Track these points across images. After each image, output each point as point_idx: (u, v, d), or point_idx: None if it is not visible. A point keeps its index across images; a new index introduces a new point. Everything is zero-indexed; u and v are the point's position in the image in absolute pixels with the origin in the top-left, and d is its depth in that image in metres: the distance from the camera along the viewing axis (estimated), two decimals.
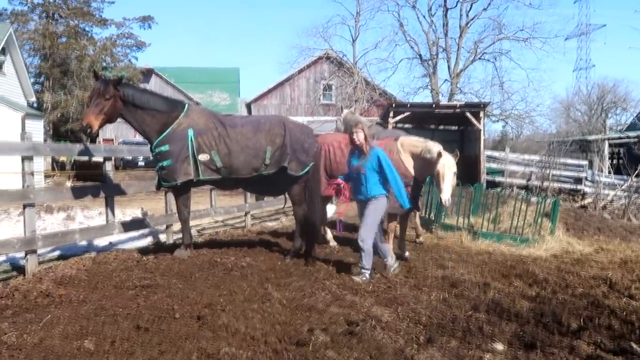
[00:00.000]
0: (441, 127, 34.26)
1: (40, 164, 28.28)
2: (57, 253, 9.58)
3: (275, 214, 15.74)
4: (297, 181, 9.20)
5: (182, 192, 9.01)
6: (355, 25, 45.95)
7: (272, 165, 8.97)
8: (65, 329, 5.50)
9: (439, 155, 8.86)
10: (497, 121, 46.86)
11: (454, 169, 8.90)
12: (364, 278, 7.89)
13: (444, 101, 39.61)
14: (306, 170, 9.13)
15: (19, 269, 8.34)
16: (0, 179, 18.90)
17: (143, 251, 9.57)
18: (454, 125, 33.83)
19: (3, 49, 31.58)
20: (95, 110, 8.30)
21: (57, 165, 34.14)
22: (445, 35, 45.59)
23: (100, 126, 8.55)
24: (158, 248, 10.03)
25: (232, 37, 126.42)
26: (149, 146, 9.22)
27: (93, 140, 43.78)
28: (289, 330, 5.65)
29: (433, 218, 13.17)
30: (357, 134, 7.97)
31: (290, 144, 8.96)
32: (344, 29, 53.26)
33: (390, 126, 25.78)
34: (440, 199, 8.93)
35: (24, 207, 8.18)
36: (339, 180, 8.28)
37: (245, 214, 13.46)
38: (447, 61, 46.07)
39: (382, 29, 75.78)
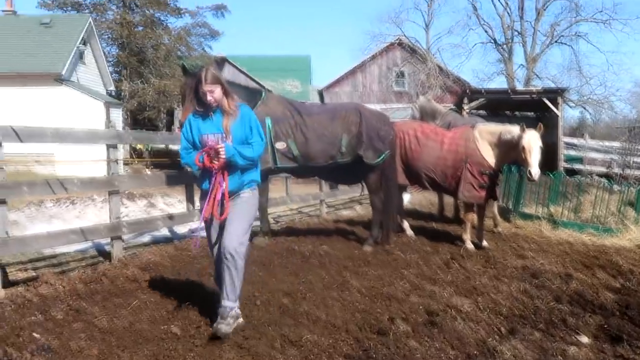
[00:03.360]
0: (517, 113, 33.62)
1: (121, 152, 29.18)
2: (140, 240, 9.87)
3: (349, 202, 15.77)
4: (373, 169, 9.21)
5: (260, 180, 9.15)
6: (428, 11, 45.27)
7: (347, 153, 9.00)
8: (152, 314, 5.73)
9: (522, 129, 8.80)
10: (575, 107, 45.48)
11: (540, 143, 8.89)
12: (233, 317, 5.24)
13: (520, 87, 38.66)
14: (382, 158, 9.12)
15: (105, 255, 8.64)
16: (81, 166, 19.62)
17: None
18: (531, 112, 33.09)
19: (83, 39, 32.60)
20: (190, 106, 8.48)
21: (135, 153, 35.05)
22: (521, 18, 44.40)
23: None
24: None
25: (303, 24, 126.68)
26: None
27: (169, 128, 44.85)
28: (369, 318, 5.70)
29: (511, 207, 12.95)
30: (211, 92, 5.27)
31: (366, 132, 8.97)
32: (417, 14, 52.00)
33: (464, 113, 25.42)
34: (530, 174, 8.86)
35: (110, 194, 8.49)
36: (211, 143, 5.29)
37: (320, 202, 13.55)
38: (523, 45, 44.89)
39: (456, 13, 73.64)
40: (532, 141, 8.80)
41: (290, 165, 9.07)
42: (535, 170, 8.80)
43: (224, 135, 5.33)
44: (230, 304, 5.25)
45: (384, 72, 46.33)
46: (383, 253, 8.74)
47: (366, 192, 10.31)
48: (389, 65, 46.27)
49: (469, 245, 9.35)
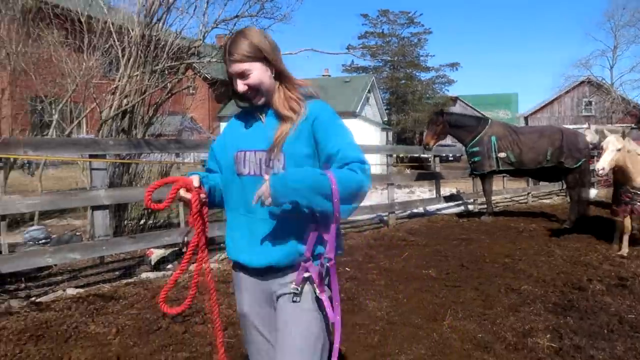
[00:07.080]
0: None
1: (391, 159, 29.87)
2: (405, 214, 9.95)
3: (549, 194, 14.18)
4: (572, 172, 8.18)
5: (487, 178, 8.70)
6: (613, 56, 38.99)
7: (551, 161, 8.14)
8: (416, 262, 5.72)
9: (603, 134, 6.93)
10: None
11: (617, 146, 6.22)
12: None
13: None
14: (579, 164, 8.08)
15: (384, 222, 8.86)
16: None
17: (459, 216, 9.48)
18: None
19: (368, 89, 33.95)
20: (430, 133, 8.65)
21: (398, 159, 35.59)
22: None
23: (434, 144, 8.81)
24: (468, 214, 9.81)
25: (513, 68, 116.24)
26: (455, 147, 9.11)
27: (420, 143, 44.89)
28: (570, 278, 5.06)
29: None
30: (241, 75, 1.60)
31: (566, 145, 8.03)
32: (603, 59, 45.29)
33: None
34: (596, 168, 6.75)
35: (387, 185, 8.72)
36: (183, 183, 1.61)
37: (528, 194, 12.42)
38: None
39: (637, 57, 62.62)
40: (609, 144, 6.80)
41: (508, 169, 8.52)
42: (599, 165, 6.24)
43: (270, 153, 1.60)
44: None
45: (574, 101, 41.16)
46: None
47: (561, 186, 9.16)
48: (579, 97, 40.98)
49: None
